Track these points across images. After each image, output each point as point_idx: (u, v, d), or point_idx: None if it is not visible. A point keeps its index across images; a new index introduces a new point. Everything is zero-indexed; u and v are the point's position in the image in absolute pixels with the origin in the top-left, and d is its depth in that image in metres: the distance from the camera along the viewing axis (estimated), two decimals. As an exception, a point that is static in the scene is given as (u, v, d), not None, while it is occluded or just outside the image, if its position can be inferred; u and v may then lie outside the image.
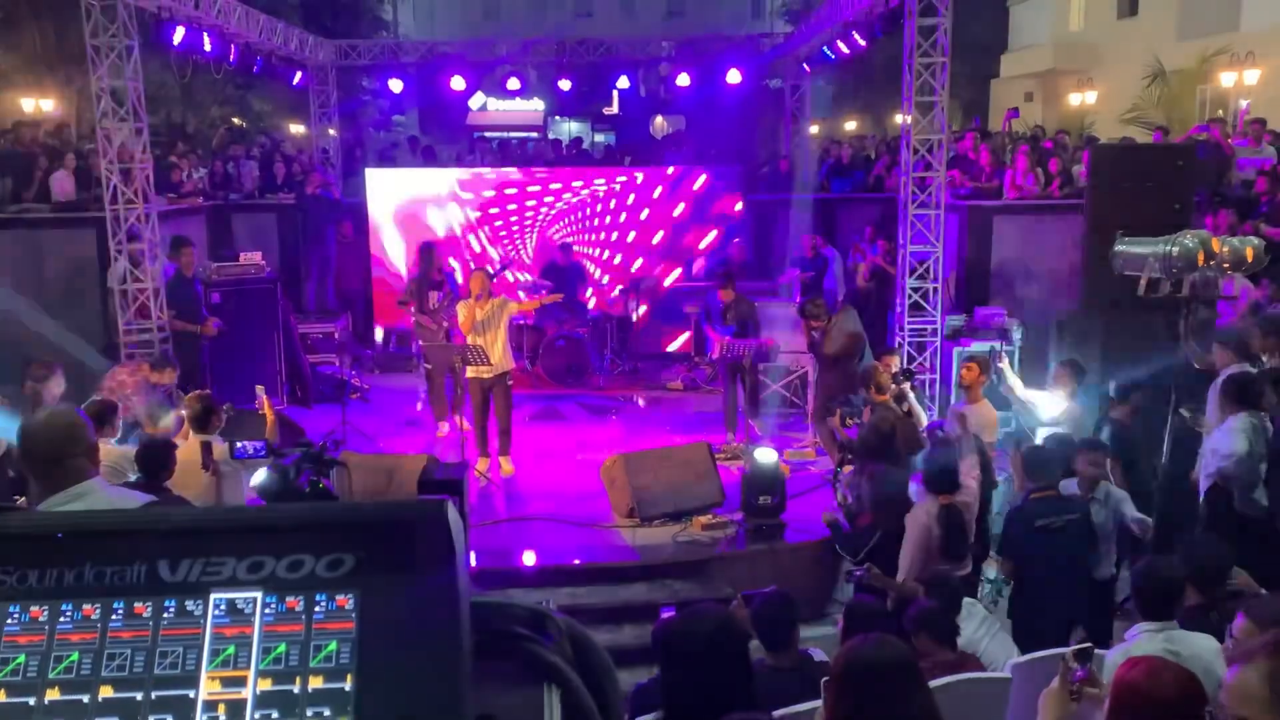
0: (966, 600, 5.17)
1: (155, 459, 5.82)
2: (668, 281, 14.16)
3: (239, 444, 3.99)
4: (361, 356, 13.62)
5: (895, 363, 8.37)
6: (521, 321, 12.17)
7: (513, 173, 14.48)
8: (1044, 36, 26.94)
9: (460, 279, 11.86)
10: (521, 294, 12.29)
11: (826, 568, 7.78)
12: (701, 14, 40.07)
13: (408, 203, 14.08)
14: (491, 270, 10.08)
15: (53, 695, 0.93)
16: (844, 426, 7.69)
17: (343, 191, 14.72)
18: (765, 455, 8.18)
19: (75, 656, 0.94)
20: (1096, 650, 3.13)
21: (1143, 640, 4.06)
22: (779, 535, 8.16)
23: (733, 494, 8.46)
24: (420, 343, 10.70)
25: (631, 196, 14.21)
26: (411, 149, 17.53)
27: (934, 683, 3.47)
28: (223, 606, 0.97)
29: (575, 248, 13.79)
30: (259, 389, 7.60)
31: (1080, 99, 23.01)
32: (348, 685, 0.94)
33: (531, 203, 14.18)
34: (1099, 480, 6.42)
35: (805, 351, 11.11)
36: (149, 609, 0.97)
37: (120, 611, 0.96)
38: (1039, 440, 7.30)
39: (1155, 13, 23.17)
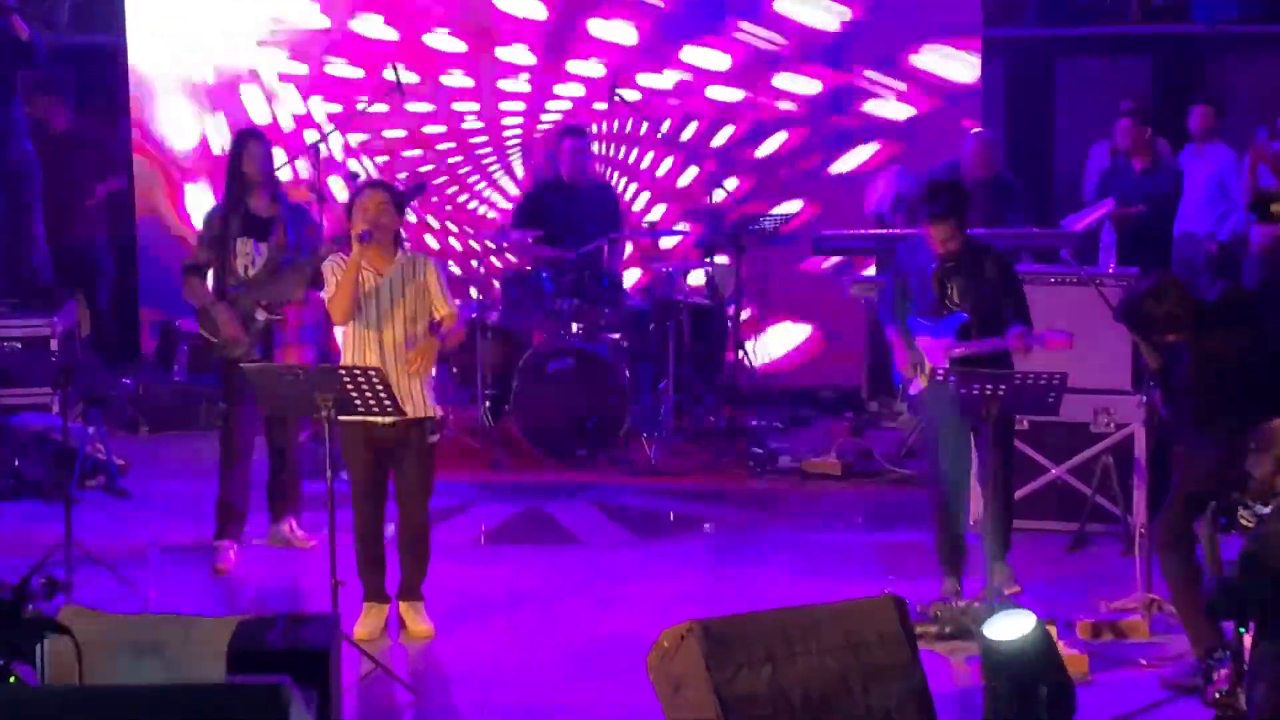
0: None
1: None
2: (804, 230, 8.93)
3: None
4: (110, 395, 9.21)
5: None
6: (472, 315, 8.38)
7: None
8: None
9: (321, 209, 7.78)
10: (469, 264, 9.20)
11: None
12: None
13: (210, 53, 9.42)
14: (404, 186, 7.19)
15: None
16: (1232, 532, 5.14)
17: (44, 28, 9.75)
18: (1019, 623, 5.20)
19: None
20: None
21: None
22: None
23: (949, 713, 5.57)
24: (220, 355, 7.14)
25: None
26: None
27: None
28: None
29: (599, 149, 9.06)
30: None
31: None
32: None
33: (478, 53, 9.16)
34: None
35: (1127, 391, 6.92)
36: None
37: None
38: None
39: None
